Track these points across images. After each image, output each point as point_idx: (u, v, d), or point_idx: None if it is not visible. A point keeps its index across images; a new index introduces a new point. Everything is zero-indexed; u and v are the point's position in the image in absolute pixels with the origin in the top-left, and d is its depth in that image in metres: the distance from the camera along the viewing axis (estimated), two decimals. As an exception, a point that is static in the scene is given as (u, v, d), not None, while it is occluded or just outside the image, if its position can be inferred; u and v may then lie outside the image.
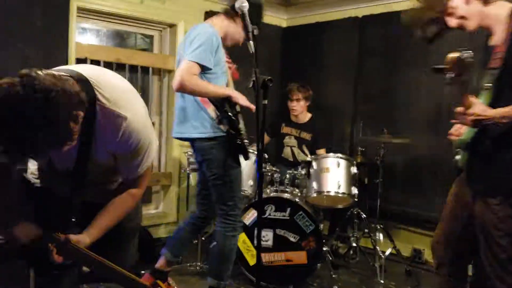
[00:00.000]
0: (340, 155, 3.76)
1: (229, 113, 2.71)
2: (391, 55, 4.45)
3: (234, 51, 4.90)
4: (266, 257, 3.45)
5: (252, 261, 3.45)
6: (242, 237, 3.46)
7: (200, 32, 2.69)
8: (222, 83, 2.85)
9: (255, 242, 3.36)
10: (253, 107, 2.67)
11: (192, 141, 2.89)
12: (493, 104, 1.98)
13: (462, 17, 2.10)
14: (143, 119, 1.70)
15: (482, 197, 2.07)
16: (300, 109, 4.33)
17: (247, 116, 4.85)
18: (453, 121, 2.10)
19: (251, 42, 1.82)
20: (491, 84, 2.05)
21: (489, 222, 2.04)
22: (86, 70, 1.62)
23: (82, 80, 1.54)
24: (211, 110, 2.77)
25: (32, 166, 1.90)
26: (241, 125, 2.82)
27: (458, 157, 2.29)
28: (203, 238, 3.89)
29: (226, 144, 2.79)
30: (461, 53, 1.82)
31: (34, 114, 1.31)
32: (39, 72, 1.38)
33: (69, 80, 1.45)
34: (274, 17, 5.38)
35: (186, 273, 3.69)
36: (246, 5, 1.79)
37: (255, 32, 1.81)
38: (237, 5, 1.80)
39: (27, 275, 2.08)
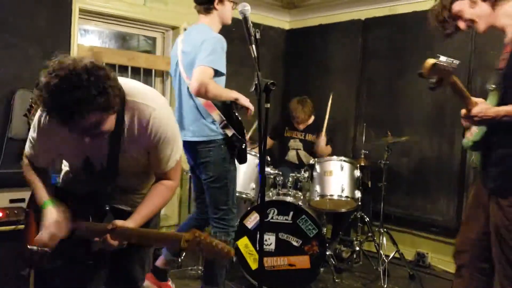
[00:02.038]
0: (343, 158, 3.73)
1: (238, 118, 2.82)
2: (394, 58, 4.43)
3: (237, 54, 4.90)
4: (268, 262, 3.42)
5: (254, 265, 3.43)
6: (244, 241, 3.44)
7: (208, 38, 2.76)
8: (224, 85, 2.91)
9: (258, 246, 3.35)
10: (251, 109, 2.87)
11: (188, 144, 2.87)
12: (500, 105, 1.99)
13: (470, 20, 2.11)
14: (169, 113, 1.84)
15: (495, 198, 2.06)
16: (305, 121, 4.37)
17: (247, 119, 4.83)
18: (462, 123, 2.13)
19: (253, 46, 1.80)
20: (494, 85, 2.07)
21: (500, 223, 2.03)
22: None
23: None
24: (215, 114, 2.81)
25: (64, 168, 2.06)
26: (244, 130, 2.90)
27: (473, 157, 2.32)
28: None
29: (223, 147, 2.83)
30: (437, 60, 1.87)
31: (92, 79, 1.49)
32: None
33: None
34: (277, 20, 5.36)
35: (187, 277, 3.67)
36: (248, 8, 1.78)
37: (257, 35, 1.79)
38: (239, 8, 1.78)
39: (27, 276, 2.11)
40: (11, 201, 2.87)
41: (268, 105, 1.91)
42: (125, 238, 1.76)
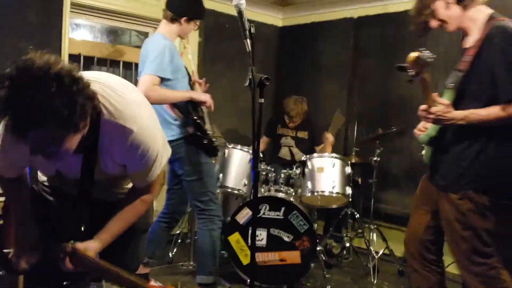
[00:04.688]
0: (335, 155, 3.75)
1: (193, 116, 2.94)
2: (386, 56, 4.45)
3: (229, 50, 4.91)
4: (259, 257, 3.43)
5: (245, 261, 3.44)
6: (236, 236, 3.45)
7: (152, 46, 2.89)
8: (185, 87, 3.04)
9: (249, 241, 3.36)
10: (209, 102, 3.01)
11: None
12: (455, 104, 2.12)
13: (441, 20, 2.25)
14: (151, 131, 1.67)
15: (446, 193, 2.18)
16: (298, 120, 4.37)
17: (243, 115, 4.84)
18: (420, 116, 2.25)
19: (248, 41, 1.80)
20: (453, 84, 2.20)
21: (452, 216, 2.16)
22: (90, 79, 1.53)
23: None
24: (175, 114, 2.97)
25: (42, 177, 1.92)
26: (207, 126, 3.03)
27: (423, 152, 2.40)
28: (196, 237, 3.87)
29: (194, 143, 2.98)
30: (420, 53, 1.97)
31: (61, 89, 1.30)
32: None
33: None
34: (270, 17, 5.37)
35: (179, 272, 3.67)
36: (243, 2, 1.78)
37: (252, 30, 1.80)
38: (234, 2, 1.78)
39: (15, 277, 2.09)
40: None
41: (262, 100, 1.91)
42: (83, 267, 1.64)
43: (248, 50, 1.81)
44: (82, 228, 1.74)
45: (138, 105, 1.67)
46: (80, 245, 1.64)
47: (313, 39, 5.06)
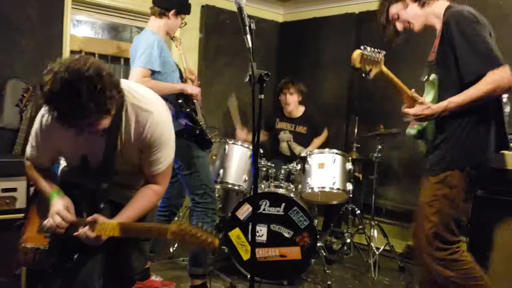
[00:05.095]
0: (335, 151, 3.75)
1: (186, 108, 2.98)
2: (387, 52, 4.43)
3: (230, 46, 4.91)
4: (260, 253, 3.44)
5: (246, 256, 3.45)
6: (236, 232, 3.46)
7: (142, 40, 2.94)
8: (175, 81, 3.08)
9: (250, 237, 3.37)
10: (197, 94, 3.07)
11: None
12: (440, 95, 2.22)
13: (406, 21, 2.35)
14: (166, 119, 1.93)
15: (427, 176, 2.25)
16: (293, 103, 4.36)
17: (243, 110, 4.83)
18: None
19: (248, 36, 1.80)
20: (426, 77, 2.30)
21: (426, 199, 2.22)
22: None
23: None
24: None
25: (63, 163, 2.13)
26: (199, 117, 3.08)
27: (421, 145, 2.46)
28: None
29: (185, 136, 2.99)
30: (363, 50, 2.04)
31: (94, 87, 1.55)
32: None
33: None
34: (271, 12, 5.37)
35: (179, 268, 3.69)
36: (243, -2, 1.78)
37: (252, 26, 1.80)
38: (233, -2, 1.78)
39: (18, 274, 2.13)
40: (3, 190, 2.86)
41: (262, 96, 1.91)
42: (106, 232, 1.79)
43: (248, 46, 1.81)
44: (101, 205, 1.89)
45: (156, 99, 1.95)
46: (100, 218, 1.79)
47: (314, 35, 5.05)
